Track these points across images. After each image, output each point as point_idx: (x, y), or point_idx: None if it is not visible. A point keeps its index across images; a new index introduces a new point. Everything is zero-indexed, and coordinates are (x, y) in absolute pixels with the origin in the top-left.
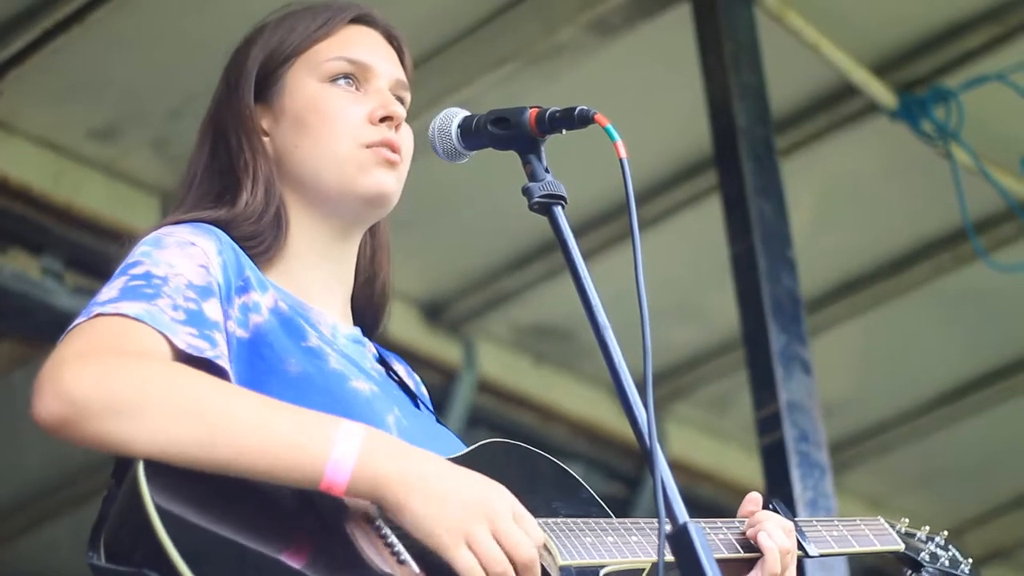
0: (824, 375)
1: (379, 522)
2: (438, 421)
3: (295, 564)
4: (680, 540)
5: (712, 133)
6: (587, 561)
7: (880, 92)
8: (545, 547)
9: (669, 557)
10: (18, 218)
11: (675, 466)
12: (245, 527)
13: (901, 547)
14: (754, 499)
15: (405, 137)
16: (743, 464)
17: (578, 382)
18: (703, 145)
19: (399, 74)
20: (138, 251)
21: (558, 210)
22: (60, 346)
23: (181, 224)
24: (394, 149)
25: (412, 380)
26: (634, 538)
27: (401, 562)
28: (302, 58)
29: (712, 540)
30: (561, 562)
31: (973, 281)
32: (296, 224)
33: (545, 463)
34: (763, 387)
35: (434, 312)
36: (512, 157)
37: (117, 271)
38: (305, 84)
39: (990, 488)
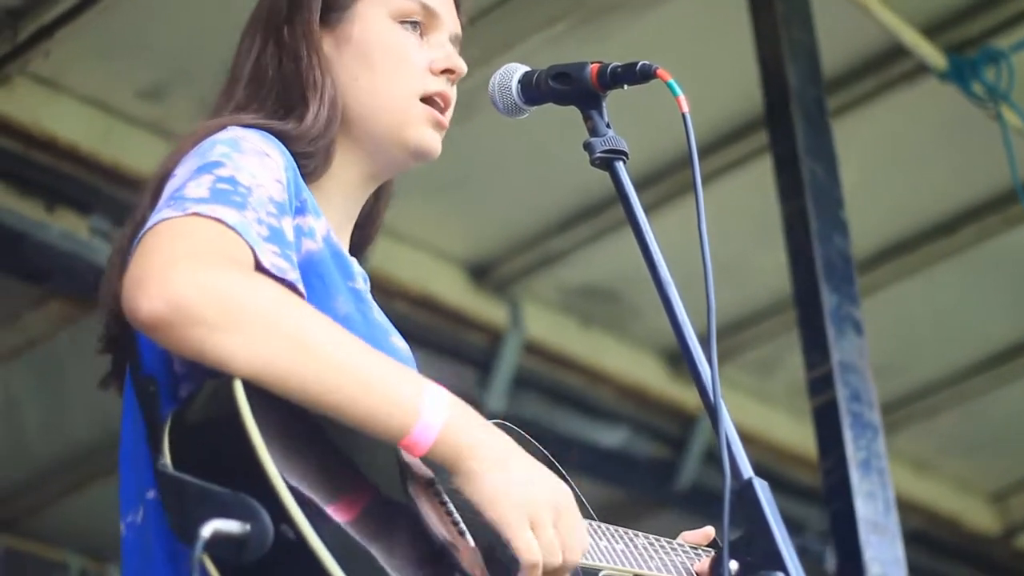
0: (871, 337)
1: (439, 488)
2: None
3: (345, 517)
4: (746, 495)
5: (764, 93)
6: (588, 563)
7: (930, 53)
8: None
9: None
10: (66, 177)
11: None
12: (330, 463)
13: None
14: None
15: (454, 96)
16: (789, 427)
17: (625, 344)
18: (753, 106)
19: (458, 30)
20: (216, 149)
21: (619, 165)
22: (157, 238)
23: (250, 128)
24: (446, 103)
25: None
26: (620, 546)
27: (460, 532)
28: None
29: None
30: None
31: (1023, 243)
32: (338, 157)
33: (542, 458)
34: (815, 348)
35: (480, 273)
36: (558, 118)
37: (194, 164)
38: (376, 17)
39: None
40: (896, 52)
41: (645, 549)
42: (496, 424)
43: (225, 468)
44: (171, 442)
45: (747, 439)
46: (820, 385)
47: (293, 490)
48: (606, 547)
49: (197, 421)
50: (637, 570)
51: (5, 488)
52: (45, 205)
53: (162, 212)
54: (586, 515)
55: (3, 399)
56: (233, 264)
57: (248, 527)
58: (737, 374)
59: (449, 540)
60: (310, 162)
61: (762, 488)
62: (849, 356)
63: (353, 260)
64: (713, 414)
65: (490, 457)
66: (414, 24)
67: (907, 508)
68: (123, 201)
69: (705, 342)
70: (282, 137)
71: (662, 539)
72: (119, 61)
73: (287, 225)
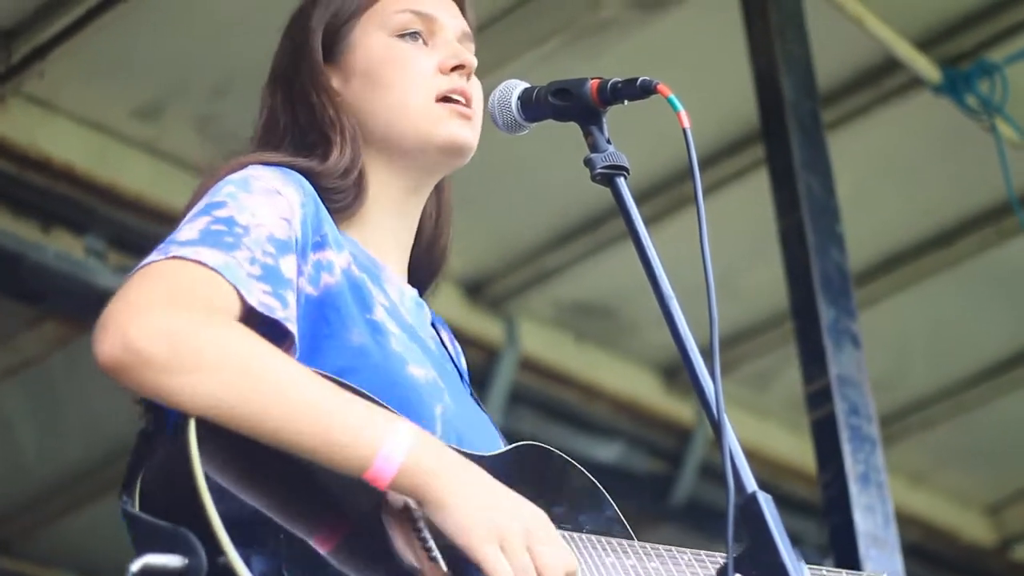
0: (868, 350)
1: (416, 515)
2: (474, 399)
3: (322, 549)
4: (750, 509)
5: (759, 107)
6: None
7: (924, 66)
8: None
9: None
10: (61, 198)
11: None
12: (286, 503)
13: None
14: None
15: (475, 89)
16: (785, 441)
17: (620, 360)
18: (748, 120)
19: (464, 26)
20: (224, 190)
21: (620, 181)
22: (133, 283)
23: (270, 167)
24: (466, 97)
25: (455, 349)
26: (652, 564)
27: (432, 559)
28: (368, 13)
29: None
30: None
31: (1018, 255)
32: (373, 181)
33: (576, 474)
34: (813, 361)
35: (475, 289)
36: (554, 134)
37: (200, 206)
38: (374, 38)
39: None
40: (890, 65)
41: (658, 559)
42: (524, 445)
43: (173, 503)
44: (131, 477)
45: (744, 453)
46: (818, 399)
47: (236, 524)
48: (613, 564)
49: (157, 459)
50: None
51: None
52: (40, 226)
53: (149, 257)
54: (623, 534)
55: None
56: (200, 306)
57: (186, 561)
58: (734, 388)
59: (417, 567)
60: (343, 196)
61: (766, 502)
62: (847, 370)
63: (389, 274)
64: (716, 428)
65: (455, 485)
66: (414, 34)
67: (904, 521)
68: (119, 221)
69: (707, 355)
70: (308, 173)
71: (673, 549)
72: (114, 81)
73: (287, 263)
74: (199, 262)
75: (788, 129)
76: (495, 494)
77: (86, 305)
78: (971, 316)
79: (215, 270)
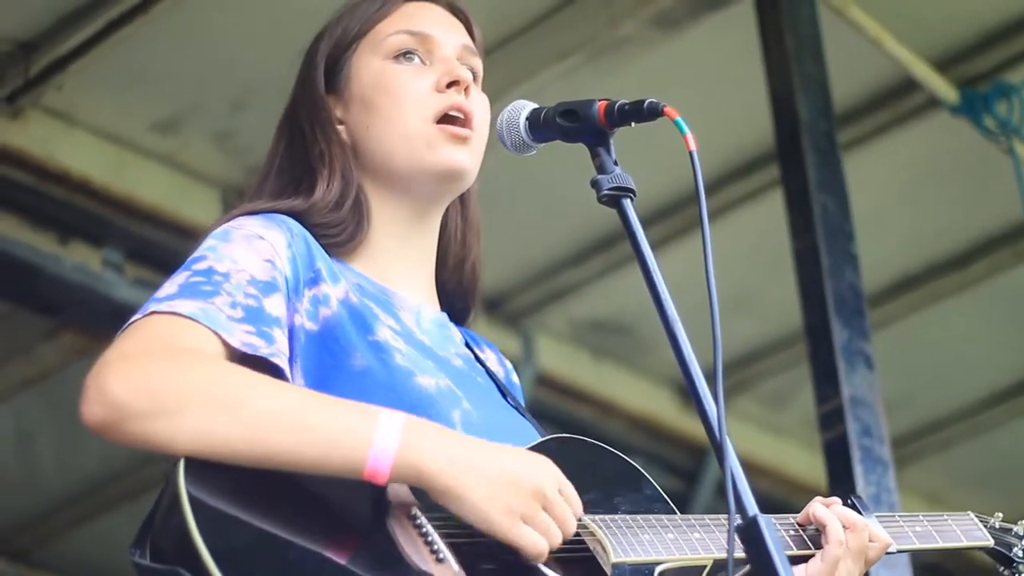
0: (883, 371)
1: (420, 520)
2: (522, 414)
3: (339, 559)
4: (750, 533)
5: (775, 127)
6: (642, 558)
7: (942, 87)
8: (600, 545)
9: (739, 553)
10: (79, 210)
11: None
12: (286, 527)
13: (990, 542)
14: (829, 503)
15: (478, 103)
16: (801, 460)
17: (637, 377)
18: (764, 140)
19: (465, 40)
20: (205, 245)
21: (627, 203)
22: (111, 346)
23: (253, 215)
24: (465, 113)
25: (503, 368)
26: (696, 534)
27: (440, 560)
28: (364, 40)
29: (781, 536)
30: (614, 559)
31: None
32: (376, 210)
33: (609, 458)
34: (826, 382)
35: (493, 306)
36: (571, 151)
37: (183, 265)
38: (369, 64)
39: None
40: (908, 86)
41: (703, 529)
42: (557, 438)
43: (172, 546)
44: (144, 530)
45: (759, 471)
46: (831, 420)
47: (231, 558)
48: (649, 540)
49: (160, 506)
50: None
51: (16, 519)
52: (58, 238)
53: (131, 319)
54: (665, 510)
55: (15, 431)
56: (172, 353)
57: None
58: (749, 406)
59: (426, 570)
60: (341, 228)
61: (767, 525)
62: (860, 391)
63: (401, 300)
64: (719, 450)
65: (454, 467)
66: (408, 55)
67: None
68: (136, 234)
69: (711, 379)
70: (295, 214)
71: (720, 517)
72: (132, 94)
73: (272, 303)
74: (175, 313)
75: (803, 150)
76: (498, 462)
77: (103, 317)
78: (985, 338)
79: (191, 318)
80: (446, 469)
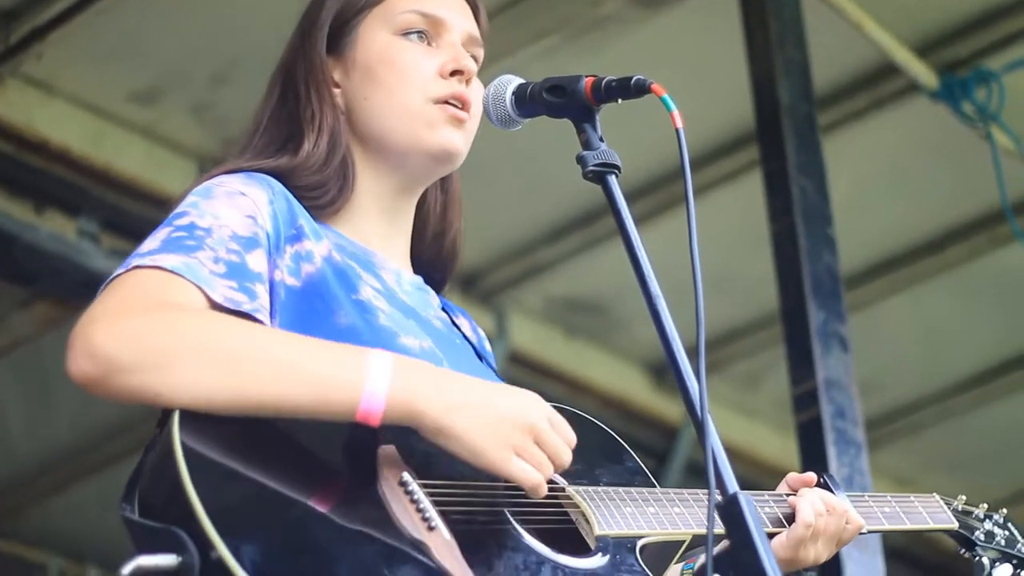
0: (856, 353)
1: (412, 487)
2: (498, 377)
3: (331, 518)
4: (730, 510)
5: (755, 109)
6: (625, 531)
7: (922, 72)
8: (584, 517)
9: (718, 528)
10: (56, 179)
11: None
12: (279, 483)
13: (955, 525)
14: (803, 478)
15: (476, 92)
16: (773, 442)
17: (609, 356)
18: (744, 121)
19: (472, 29)
20: (187, 201)
21: (612, 179)
22: (96, 300)
23: (236, 173)
24: (464, 103)
25: (476, 335)
26: (676, 509)
27: (431, 528)
28: (376, 10)
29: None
30: (598, 532)
31: (1009, 263)
32: (362, 177)
33: (591, 429)
34: (801, 364)
35: (467, 282)
36: (548, 129)
37: (164, 221)
38: (377, 36)
39: (1020, 470)
40: (888, 70)
41: (682, 503)
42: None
43: (164, 503)
44: (131, 485)
45: (731, 453)
46: (805, 401)
47: (226, 514)
48: (631, 514)
49: (149, 462)
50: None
51: None
52: (34, 207)
53: (114, 272)
54: (646, 483)
55: None
56: (159, 306)
57: (180, 559)
58: (722, 387)
59: (419, 539)
60: (324, 191)
61: (747, 503)
62: (834, 373)
63: (383, 260)
64: (700, 428)
65: (446, 404)
66: (420, 34)
67: None
68: (113, 204)
69: (694, 355)
70: (279, 173)
71: (699, 492)
72: (112, 64)
73: (254, 258)
74: (158, 267)
75: (783, 132)
76: (490, 398)
77: (78, 286)
78: (961, 322)
79: (175, 272)
80: (438, 406)
